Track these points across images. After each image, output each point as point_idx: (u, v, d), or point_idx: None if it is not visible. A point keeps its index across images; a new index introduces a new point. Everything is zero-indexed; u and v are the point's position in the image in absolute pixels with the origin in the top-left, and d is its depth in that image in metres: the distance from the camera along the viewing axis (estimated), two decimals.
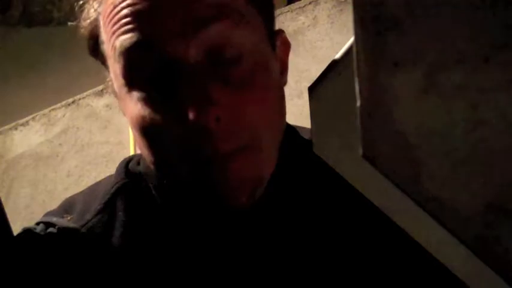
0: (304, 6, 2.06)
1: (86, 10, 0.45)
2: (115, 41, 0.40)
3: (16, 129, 2.57)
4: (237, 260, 0.46)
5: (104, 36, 0.42)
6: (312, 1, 2.06)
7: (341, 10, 1.98)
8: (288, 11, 2.08)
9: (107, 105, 2.38)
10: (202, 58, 0.39)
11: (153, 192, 0.49)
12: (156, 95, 0.40)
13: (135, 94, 0.41)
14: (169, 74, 0.39)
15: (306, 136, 0.52)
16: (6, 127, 2.59)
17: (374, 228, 0.45)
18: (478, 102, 0.18)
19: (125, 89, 0.42)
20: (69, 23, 0.48)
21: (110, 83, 0.47)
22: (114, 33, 0.40)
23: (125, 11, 0.39)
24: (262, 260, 0.46)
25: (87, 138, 2.36)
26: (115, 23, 0.40)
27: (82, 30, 0.45)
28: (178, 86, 0.39)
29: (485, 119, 0.18)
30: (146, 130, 0.41)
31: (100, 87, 2.42)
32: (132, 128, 0.44)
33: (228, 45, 0.39)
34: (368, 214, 0.42)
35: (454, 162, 0.18)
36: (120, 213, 0.49)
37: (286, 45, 0.49)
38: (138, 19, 0.39)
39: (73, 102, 2.48)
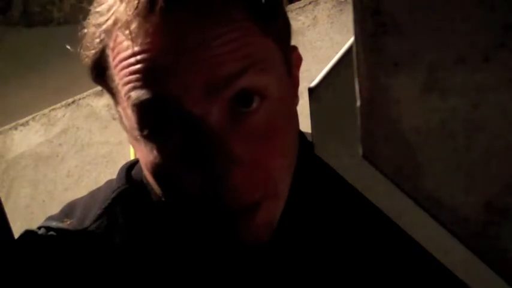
0: (304, 6, 2.07)
1: (89, 37, 0.41)
2: (130, 91, 0.38)
3: (16, 129, 2.57)
4: (238, 272, 0.46)
5: (115, 77, 0.40)
6: (312, 1, 2.06)
7: (341, 10, 1.98)
8: (288, 11, 2.08)
9: (107, 105, 2.38)
10: (225, 114, 0.37)
11: (155, 199, 0.49)
12: (174, 147, 0.38)
13: (150, 142, 0.39)
14: (189, 131, 0.37)
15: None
16: (6, 127, 2.59)
17: (379, 233, 0.45)
18: (478, 102, 0.18)
19: (138, 133, 0.40)
20: (70, 48, 0.45)
21: (117, 114, 0.45)
22: (129, 82, 0.37)
23: (143, 64, 0.36)
24: (274, 283, 0.46)
25: (87, 138, 2.36)
26: (131, 73, 0.37)
27: (86, 60, 0.42)
28: (199, 143, 0.37)
29: (486, 119, 0.18)
30: (162, 177, 0.41)
31: (100, 87, 2.41)
32: (145, 169, 0.43)
33: (251, 97, 0.38)
34: (374, 221, 0.42)
35: (454, 162, 0.18)
36: (120, 218, 0.48)
37: (299, 61, 0.47)
38: (157, 73, 0.36)
39: (73, 102, 2.48)
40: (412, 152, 0.19)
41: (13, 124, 2.58)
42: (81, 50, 0.43)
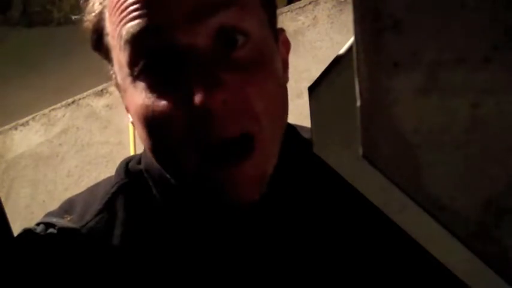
0: (304, 6, 2.07)
1: (90, 4, 0.45)
2: (121, 29, 0.40)
3: (16, 129, 2.58)
4: (238, 257, 0.46)
5: (109, 27, 0.42)
6: (312, 1, 2.06)
7: (341, 10, 1.98)
8: (288, 11, 2.08)
9: (107, 105, 2.38)
10: (211, 44, 0.39)
11: (154, 190, 0.49)
12: (162, 83, 0.40)
13: (140, 84, 0.41)
14: (177, 61, 0.39)
15: (306, 135, 0.52)
16: (6, 127, 2.60)
17: (373, 226, 0.45)
18: (478, 102, 0.18)
19: (129, 79, 0.41)
20: (73, 17, 0.48)
21: (113, 75, 0.46)
22: (120, 21, 0.40)
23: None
24: (265, 257, 0.46)
25: (87, 138, 2.36)
26: (122, 11, 0.39)
27: (86, 24, 0.45)
28: (185, 72, 0.39)
29: (486, 119, 0.18)
30: (151, 119, 0.41)
31: (100, 87, 2.42)
32: (135, 120, 0.43)
33: (236, 30, 0.40)
34: (367, 213, 0.42)
35: (454, 162, 0.18)
36: (120, 213, 0.49)
37: (287, 44, 0.49)
38: (146, 6, 0.38)
39: (73, 102, 2.48)
40: (412, 152, 0.19)
41: (13, 124, 2.58)
42: (83, 17, 0.45)
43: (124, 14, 0.39)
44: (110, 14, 0.42)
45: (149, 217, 0.48)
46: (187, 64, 0.39)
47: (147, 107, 0.40)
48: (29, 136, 2.50)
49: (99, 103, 2.41)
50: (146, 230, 0.48)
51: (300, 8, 2.07)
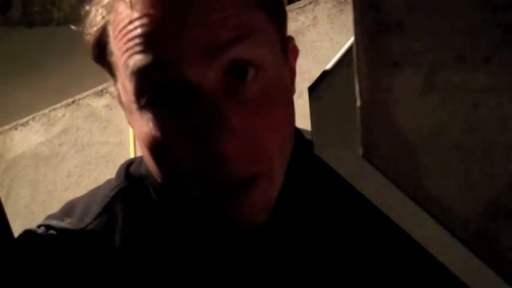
0: (304, 6, 2.07)
1: (92, 15, 0.43)
2: (128, 59, 0.38)
3: (16, 129, 2.58)
4: (241, 270, 0.46)
5: (115, 49, 0.41)
6: (312, 1, 2.06)
7: (341, 10, 1.98)
8: (288, 11, 2.08)
9: (107, 105, 2.38)
10: (221, 80, 0.38)
11: (154, 196, 0.49)
12: (170, 116, 0.39)
13: (147, 114, 0.40)
14: (185, 97, 0.38)
15: (309, 137, 0.52)
16: (6, 127, 2.60)
17: (376, 231, 0.45)
18: (478, 102, 0.18)
19: (135, 106, 0.40)
20: (72, 27, 0.46)
21: (116, 92, 0.45)
22: (127, 50, 0.38)
23: (141, 30, 0.37)
24: (270, 273, 0.46)
25: (87, 138, 2.36)
26: (129, 40, 0.38)
27: (88, 37, 0.43)
28: (195, 109, 0.38)
29: (486, 119, 0.18)
30: (158, 151, 0.40)
31: (100, 87, 2.42)
32: (140, 143, 0.43)
33: (247, 66, 0.38)
34: (370, 217, 0.42)
35: (454, 162, 0.18)
36: (119, 216, 0.49)
37: (295, 51, 0.48)
38: (155, 39, 0.37)
39: (73, 102, 2.48)
40: (412, 152, 0.19)
41: (13, 124, 2.58)
42: (84, 30, 0.44)
43: (131, 44, 0.38)
44: (115, 38, 0.40)
45: (148, 223, 0.48)
46: (196, 101, 0.38)
47: (153, 137, 0.40)
48: (29, 136, 2.50)
49: (99, 103, 2.41)
50: (145, 235, 0.48)
51: (300, 8, 2.07)
